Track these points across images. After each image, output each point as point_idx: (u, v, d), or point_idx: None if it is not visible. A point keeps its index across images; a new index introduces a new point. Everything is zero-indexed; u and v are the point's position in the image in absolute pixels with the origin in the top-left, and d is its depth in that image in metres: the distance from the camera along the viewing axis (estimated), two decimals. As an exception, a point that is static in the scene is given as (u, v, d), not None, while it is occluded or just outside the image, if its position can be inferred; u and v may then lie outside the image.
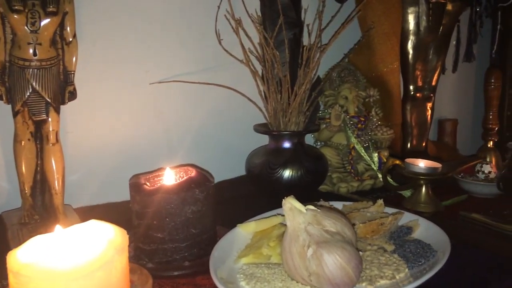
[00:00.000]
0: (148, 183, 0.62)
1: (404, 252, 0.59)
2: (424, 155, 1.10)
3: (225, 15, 0.83)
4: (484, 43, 1.25)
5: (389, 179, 0.95)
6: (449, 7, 1.00)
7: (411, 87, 1.07)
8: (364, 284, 0.53)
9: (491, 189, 0.88)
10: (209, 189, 0.63)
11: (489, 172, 0.93)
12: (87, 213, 0.70)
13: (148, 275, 0.53)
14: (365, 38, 0.93)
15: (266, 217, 0.68)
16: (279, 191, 0.81)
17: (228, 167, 0.92)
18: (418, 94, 1.07)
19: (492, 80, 1.01)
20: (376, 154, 0.98)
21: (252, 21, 0.82)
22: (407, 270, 0.55)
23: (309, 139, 1.02)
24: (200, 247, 0.62)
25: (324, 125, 0.99)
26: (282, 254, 0.54)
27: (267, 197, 0.84)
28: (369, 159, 0.97)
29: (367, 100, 1.03)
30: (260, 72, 0.85)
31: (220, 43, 0.83)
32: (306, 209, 0.52)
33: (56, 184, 0.64)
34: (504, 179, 0.74)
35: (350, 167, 0.97)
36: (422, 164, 0.86)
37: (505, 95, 1.25)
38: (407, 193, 0.91)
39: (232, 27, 0.81)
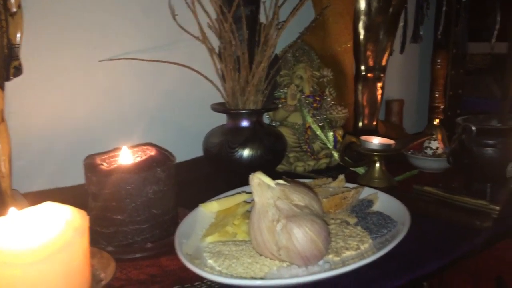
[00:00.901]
0: (104, 164, 0.59)
1: (367, 224, 0.60)
2: (375, 134, 1.13)
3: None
4: (428, 24, 1.30)
5: (336, 158, 0.97)
6: (398, -13, 1.03)
7: (363, 67, 1.09)
8: (330, 256, 0.53)
9: (440, 164, 0.93)
10: (170, 168, 0.60)
11: (437, 148, 0.97)
12: (37, 199, 0.65)
13: (110, 258, 0.51)
14: (320, 16, 0.93)
15: (229, 196, 0.67)
16: (239, 170, 0.80)
17: (184, 148, 0.89)
18: (369, 74, 1.09)
19: (439, 60, 1.05)
20: (331, 133, 0.99)
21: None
22: (370, 240, 0.56)
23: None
24: (163, 228, 0.59)
25: (280, 105, 0.98)
26: (250, 231, 0.53)
27: (227, 177, 0.83)
28: (324, 138, 0.98)
29: (321, 80, 1.04)
30: (217, 50, 0.82)
31: (174, 18, 0.80)
32: (275, 184, 0.52)
33: (2, 167, 0.59)
34: (454, 153, 0.77)
35: (306, 146, 0.97)
36: (376, 141, 0.88)
37: (447, 75, 1.31)
38: (361, 170, 0.94)
39: (187, 2, 0.78)
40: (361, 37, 1.06)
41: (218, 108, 0.82)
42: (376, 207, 0.67)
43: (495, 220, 0.68)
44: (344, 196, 0.63)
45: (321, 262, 0.52)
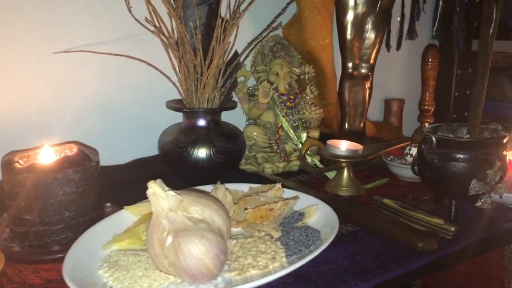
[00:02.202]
0: (21, 161, 0.58)
1: (287, 239, 0.55)
2: (361, 136, 1.07)
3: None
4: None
5: (315, 160, 0.92)
6: (387, -20, 0.95)
7: (349, 65, 1.02)
8: (233, 273, 0.50)
9: (416, 172, 0.86)
10: (88, 169, 0.58)
11: (418, 155, 0.90)
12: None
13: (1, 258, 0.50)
14: (284, 11, 0.87)
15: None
16: (189, 170, 0.78)
17: (145, 145, 0.87)
18: (355, 72, 1.03)
19: (429, 59, 0.97)
20: (304, 134, 0.94)
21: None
22: (284, 259, 0.52)
23: (242, 116, 0.98)
24: (77, 230, 0.58)
25: (253, 103, 0.95)
26: (147, 241, 0.50)
27: (179, 177, 0.80)
28: (296, 139, 0.93)
29: (302, 77, 0.99)
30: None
31: (130, 11, 0.77)
32: (172, 194, 0.49)
33: None
34: (416, 165, 0.71)
35: (276, 147, 0.93)
36: (344, 146, 0.83)
37: (453, 76, 1.22)
38: (331, 174, 0.88)
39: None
40: (347, 32, 1.00)
41: (172, 106, 0.79)
42: (312, 220, 0.62)
43: (451, 241, 0.62)
44: (271, 208, 0.59)
45: (220, 280, 0.49)
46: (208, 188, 0.67)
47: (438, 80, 0.99)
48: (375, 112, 1.28)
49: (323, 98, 1.02)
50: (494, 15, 0.64)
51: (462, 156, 0.65)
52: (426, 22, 1.11)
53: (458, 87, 1.25)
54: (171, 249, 0.46)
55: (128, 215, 0.61)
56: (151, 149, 0.85)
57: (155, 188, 0.48)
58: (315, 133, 0.96)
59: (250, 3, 0.75)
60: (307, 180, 0.88)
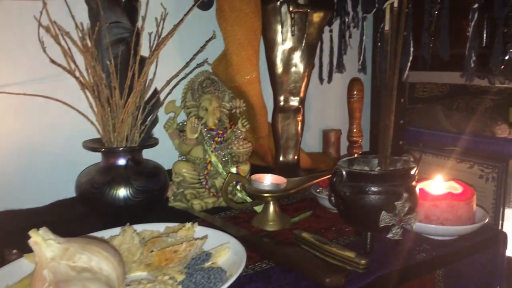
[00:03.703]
0: None
1: (189, 282, 0.54)
2: (295, 168, 1.08)
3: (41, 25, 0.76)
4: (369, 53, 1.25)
5: (244, 195, 0.91)
6: (312, 17, 0.98)
7: (280, 98, 1.04)
8: (125, 322, 0.48)
9: (341, 204, 0.86)
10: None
11: (345, 187, 0.91)
12: None
13: None
14: (204, 48, 0.88)
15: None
16: (107, 212, 0.76)
17: (65, 186, 0.85)
18: (286, 105, 1.04)
19: (354, 92, 1.00)
20: (234, 169, 0.94)
21: (77, 28, 0.76)
22: (182, 304, 0.51)
23: (175, 153, 0.97)
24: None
25: (182, 138, 0.94)
26: (31, 293, 0.48)
27: (98, 219, 0.78)
28: (225, 174, 0.93)
29: (233, 111, 0.99)
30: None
31: (44, 51, 0.77)
32: (56, 243, 0.47)
33: None
34: (330, 197, 0.71)
35: (205, 183, 0.92)
36: (268, 180, 0.83)
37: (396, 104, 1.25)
38: (260, 208, 0.88)
39: (53, 37, 0.75)
40: (276, 67, 1.02)
41: (89, 145, 0.77)
42: (222, 259, 0.61)
43: (361, 275, 0.62)
44: (175, 250, 0.57)
45: (109, 331, 0.47)
46: (116, 231, 0.65)
47: (375, 110, 1.01)
48: (314, 142, 1.30)
49: (254, 132, 1.03)
50: (394, 51, 0.66)
51: (371, 188, 0.65)
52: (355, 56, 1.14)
53: (402, 115, 1.28)
54: (50, 301, 0.44)
55: (27, 264, 0.59)
56: (72, 191, 0.83)
57: (36, 237, 0.46)
58: (245, 167, 0.95)
59: (165, 40, 0.76)
60: (236, 215, 0.87)
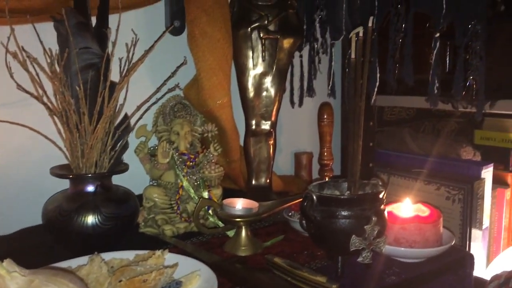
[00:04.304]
0: None
1: (158, 313, 0.53)
2: (268, 191, 1.08)
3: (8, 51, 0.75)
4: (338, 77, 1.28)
5: (216, 220, 0.91)
6: (282, 43, 1.00)
7: (252, 122, 1.05)
8: None
9: (313, 228, 0.87)
10: None
11: (317, 210, 0.92)
12: None
13: None
14: (174, 75, 0.89)
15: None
16: (74, 240, 0.74)
17: (32, 213, 0.83)
18: (258, 129, 1.05)
19: (325, 116, 1.02)
20: (206, 193, 0.93)
21: (46, 54, 0.75)
22: (150, 335, 0.50)
23: (146, 177, 0.96)
24: None
25: (154, 163, 0.93)
26: (-7, 329, 0.46)
27: (66, 247, 0.76)
28: (197, 198, 0.92)
29: (205, 135, 0.99)
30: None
31: (12, 76, 0.75)
32: (20, 275, 0.45)
33: None
34: (302, 221, 0.72)
35: (176, 208, 0.91)
36: (239, 204, 0.83)
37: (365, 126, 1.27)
38: (232, 233, 0.87)
39: (20, 63, 0.74)
40: (247, 92, 1.03)
41: (56, 172, 0.76)
42: (193, 287, 0.60)
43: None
44: (144, 279, 0.56)
45: None
46: (84, 259, 0.63)
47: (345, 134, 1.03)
48: (285, 165, 1.31)
49: (227, 156, 1.03)
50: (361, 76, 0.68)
51: (341, 213, 0.66)
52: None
53: (372, 138, 1.31)
54: (12, 337, 0.42)
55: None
56: (38, 218, 0.81)
57: (0, 270, 0.45)
58: (217, 191, 0.95)
59: (135, 66, 0.76)
60: (208, 240, 0.87)
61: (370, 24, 0.66)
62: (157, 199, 0.91)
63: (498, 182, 1.15)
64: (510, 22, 1.01)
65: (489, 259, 1.14)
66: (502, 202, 1.15)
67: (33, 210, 0.82)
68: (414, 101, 1.16)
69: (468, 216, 1.02)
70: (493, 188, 1.11)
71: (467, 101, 0.92)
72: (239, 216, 0.81)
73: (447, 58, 1.06)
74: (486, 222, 1.08)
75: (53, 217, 0.73)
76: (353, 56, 0.66)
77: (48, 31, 0.79)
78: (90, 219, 0.72)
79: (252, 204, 0.83)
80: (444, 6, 0.79)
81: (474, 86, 0.81)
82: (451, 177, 1.08)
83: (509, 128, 1.27)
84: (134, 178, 0.92)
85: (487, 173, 1.08)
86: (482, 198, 1.05)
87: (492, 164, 1.09)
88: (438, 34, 0.81)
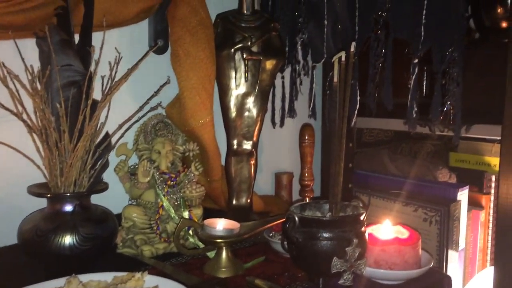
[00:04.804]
0: None
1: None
2: (248, 211, 1.08)
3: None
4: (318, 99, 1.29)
5: (196, 240, 0.90)
6: (265, 64, 1.02)
7: (233, 142, 1.05)
8: None
9: (294, 249, 0.86)
10: None
11: (298, 231, 0.92)
12: None
13: None
14: (158, 93, 0.89)
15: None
16: (51, 261, 0.72)
17: (7, 233, 0.80)
18: (240, 149, 1.05)
19: (306, 137, 1.03)
20: (187, 213, 0.92)
21: (27, 71, 0.74)
22: None
23: (125, 196, 0.94)
24: None
25: (134, 182, 0.92)
26: None
27: (42, 268, 0.74)
28: (178, 218, 0.91)
29: (186, 154, 0.99)
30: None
31: (-9, 92, 0.74)
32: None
33: None
34: (284, 243, 0.72)
35: (156, 228, 0.90)
36: (220, 225, 0.82)
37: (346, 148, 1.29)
38: (212, 254, 0.87)
39: (0, 80, 0.72)
40: (230, 112, 1.03)
41: (34, 191, 0.74)
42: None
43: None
44: (124, 302, 0.55)
45: None
46: (61, 281, 0.62)
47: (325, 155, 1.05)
48: (266, 185, 1.31)
49: (208, 175, 1.03)
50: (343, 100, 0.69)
51: (322, 234, 0.67)
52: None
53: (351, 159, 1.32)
54: None
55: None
56: (14, 238, 0.79)
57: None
58: (198, 211, 0.95)
59: (118, 85, 0.76)
60: (187, 262, 0.86)
61: (352, 49, 0.68)
62: (136, 219, 0.89)
63: (473, 204, 1.17)
64: (484, 49, 1.05)
65: (465, 281, 1.15)
66: (477, 223, 1.18)
67: (8, 230, 0.80)
68: (392, 124, 1.19)
69: (445, 238, 1.04)
70: (468, 210, 1.14)
71: (443, 125, 0.94)
72: (220, 237, 0.80)
73: (424, 83, 1.09)
74: (462, 243, 1.10)
75: (29, 237, 0.71)
76: (335, 80, 0.67)
77: (29, 47, 0.78)
78: (68, 240, 0.71)
79: (234, 224, 0.83)
80: (423, 33, 0.82)
81: (452, 111, 0.83)
82: (428, 199, 1.10)
83: (483, 151, 1.30)
84: (113, 197, 0.90)
85: (463, 195, 1.10)
86: (458, 220, 1.07)
87: (467, 187, 1.12)
88: (416, 60, 0.84)
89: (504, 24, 0.98)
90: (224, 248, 0.81)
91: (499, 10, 0.98)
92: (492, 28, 1.01)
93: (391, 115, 1.11)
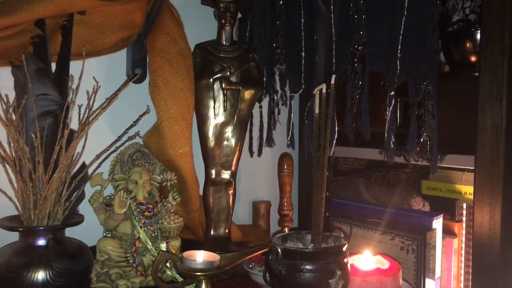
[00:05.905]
0: None
1: None
2: (226, 241, 1.06)
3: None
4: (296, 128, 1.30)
5: (174, 273, 0.87)
6: (243, 94, 1.02)
7: (212, 171, 1.04)
8: None
9: (274, 281, 0.85)
10: None
11: (277, 262, 0.91)
12: None
13: None
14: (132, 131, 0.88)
15: None
16: (22, 298, 0.68)
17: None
18: (218, 179, 1.05)
19: (285, 167, 1.03)
20: (164, 245, 0.90)
21: (1, 101, 0.72)
22: None
23: (100, 228, 0.91)
24: None
25: (109, 213, 0.89)
26: None
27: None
28: (155, 250, 0.89)
29: (164, 184, 0.97)
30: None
31: (-39, 121, 0.71)
32: None
33: None
34: (266, 275, 0.71)
35: (132, 261, 0.87)
36: (200, 257, 0.80)
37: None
38: (191, 287, 0.84)
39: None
40: (209, 141, 1.03)
41: (5, 224, 0.71)
42: None
43: None
44: None
45: None
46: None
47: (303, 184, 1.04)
48: (243, 214, 1.30)
49: (186, 205, 1.01)
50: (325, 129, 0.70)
51: (305, 266, 0.66)
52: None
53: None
54: None
55: None
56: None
57: None
58: (176, 243, 0.92)
59: (97, 115, 0.74)
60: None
61: (332, 82, 0.69)
62: (111, 252, 0.86)
63: (446, 232, 1.19)
64: (454, 81, 1.10)
65: (442, 309, 1.16)
66: (450, 251, 1.19)
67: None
68: (368, 153, 1.20)
69: (422, 266, 1.04)
70: (443, 238, 1.15)
71: (418, 155, 0.96)
72: (200, 270, 0.78)
73: (398, 113, 1.12)
74: (438, 271, 1.11)
75: (0, 273, 0.67)
76: (317, 111, 0.68)
77: (4, 76, 0.76)
78: (41, 275, 0.68)
79: (214, 256, 0.81)
80: (399, 66, 0.85)
81: (428, 142, 0.85)
82: (405, 227, 1.11)
83: (454, 180, 1.33)
84: (87, 229, 0.87)
85: (438, 224, 1.12)
86: (434, 248, 1.08)
87: (442, 215, 1.14)
88: (393, 93, 0.86)
89: (473, 58, 1.02)
90: (203, 281, 0.79)
91: (468, 45, 1.02)
92: (462, 62, 1.05)
93: (367, 145, 1.13)
